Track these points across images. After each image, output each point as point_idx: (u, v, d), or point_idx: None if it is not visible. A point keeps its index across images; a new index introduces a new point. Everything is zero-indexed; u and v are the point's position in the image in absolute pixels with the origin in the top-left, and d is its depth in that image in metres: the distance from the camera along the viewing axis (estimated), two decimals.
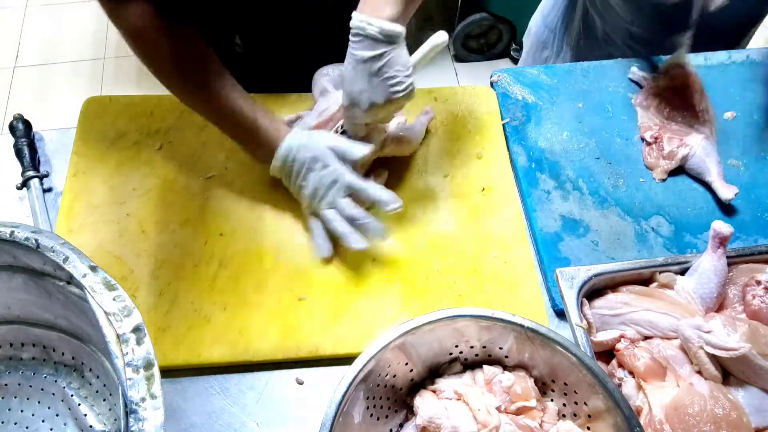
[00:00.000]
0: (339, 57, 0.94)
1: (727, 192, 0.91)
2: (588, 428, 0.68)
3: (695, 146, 0.95)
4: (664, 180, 0.96)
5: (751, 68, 1.10)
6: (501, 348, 0.71)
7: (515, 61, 2.48)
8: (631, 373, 0.74)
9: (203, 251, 0.86)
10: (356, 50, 0.75)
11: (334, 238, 0.84)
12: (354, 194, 0.83)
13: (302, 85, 0.94)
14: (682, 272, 0.81)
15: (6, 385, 0.73)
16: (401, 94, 0.77)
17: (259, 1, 0.97)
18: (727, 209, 0.94)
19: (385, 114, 0.81)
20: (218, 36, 0.91)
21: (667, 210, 0.93)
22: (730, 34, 1.17)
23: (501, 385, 0.69)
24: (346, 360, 0.76)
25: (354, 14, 0.75)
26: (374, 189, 0.82)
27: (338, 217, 0.83)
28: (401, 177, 0.95)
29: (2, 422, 0.71)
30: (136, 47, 0.81)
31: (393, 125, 0.87)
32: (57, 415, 0.73)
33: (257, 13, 0.99)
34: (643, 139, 1.00)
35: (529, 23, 1.40)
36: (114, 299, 0.55)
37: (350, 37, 0.76)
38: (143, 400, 0.50)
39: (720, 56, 1.11)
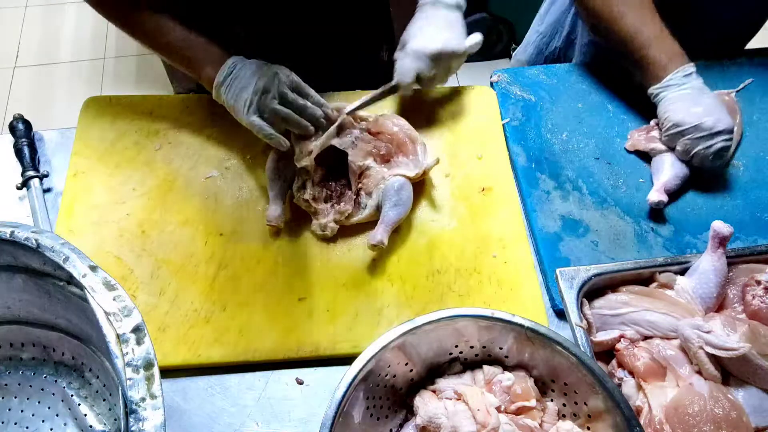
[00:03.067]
0: (347, 56, 0.94)
1: (654, 195, 0.91)
2: (588, 428, 0.68)
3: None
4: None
5: (751, 69, 1.09)
6: (501, 348, 0.71)
7: None
8: (631, 373, 0.74)
9: (203, 251, 0.86)
10: (439, 10, 0.91)
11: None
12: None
13: (312, 83, 0.94)
14: (682, 272, 0.81)
15: (6, 385, 0.73)
16: (461, 46, 0.91)
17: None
18: (725, 212, 0.94)
19: (457, 65, 0.93)
20: (222, 32, 0.91)
21: (667, 210, 0.93)
22: (736, 37, 1.16)
23: (501, 385, 0.69)
24: (346, 360, 0.76)
25: None
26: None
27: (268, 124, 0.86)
28: None
29: (2, 422, 0.71)
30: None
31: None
32: (57, 415, 0.73)
33: (265, 11, 0.98)
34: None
35: (518, 51, 1.37)
36: (114, 299, 0.55)
37: (430, 6, 0.91)
38: (143, 400, 0.50)
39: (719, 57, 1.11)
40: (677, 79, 0.93)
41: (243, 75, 0.85)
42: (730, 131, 0.91)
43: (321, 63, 0.95)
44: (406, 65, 0.90)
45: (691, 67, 0.93)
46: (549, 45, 1.28)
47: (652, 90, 0.96)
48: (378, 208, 0.87)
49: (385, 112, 0.97)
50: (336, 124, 0.88)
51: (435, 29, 0.90)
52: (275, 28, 1.00)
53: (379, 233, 0.83)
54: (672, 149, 0.95)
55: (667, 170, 0.94)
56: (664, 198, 0.90)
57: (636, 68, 0.97)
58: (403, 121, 0.92)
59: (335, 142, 0.88)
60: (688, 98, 0.92)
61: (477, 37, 0.93)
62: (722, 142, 0.90)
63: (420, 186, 0.93)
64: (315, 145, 0.87)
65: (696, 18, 1.02)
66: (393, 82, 0.93)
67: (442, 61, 0.91)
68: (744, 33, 1.19)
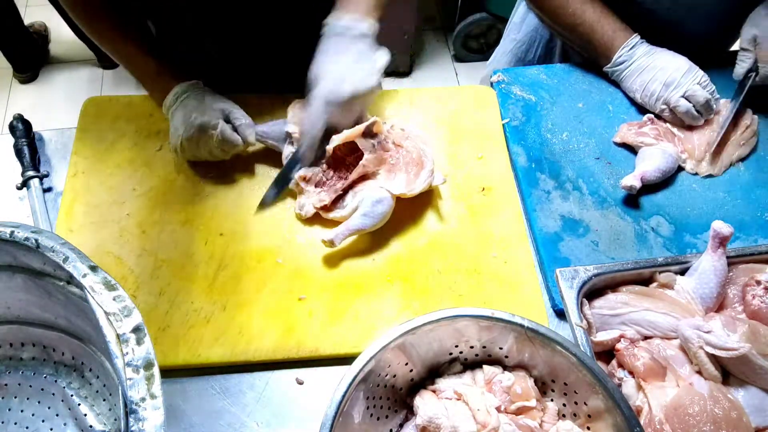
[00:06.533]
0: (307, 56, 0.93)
1: (629, 179, 0.92)
2: (588, 428, 0.68)
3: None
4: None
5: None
6: (501, 348, 0.71)
7: None
8: (631, 373, 0.74)
9: (203, 251, 0.86)
10: (345, 42, 0.82)
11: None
12: None
13: (289, 86, 0.94)
14: (682, 272, 0.81)
15: (6, 385, 0.73)
16: (375, 82, 0.83)
17: (239, 4, 0.97)
18: (725, 210, 0.94)
19: (371, 99, 0.87)
20: (194, 38, 0.91)
21: (667, 210, 0.93)
22: (717, 38, 1.16)
23: (501, 385, 0.69)
24: (346, 360, 0.76)
25: (330, 16, 0.84)
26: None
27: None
28: None
29: (2, 422, 0.71)
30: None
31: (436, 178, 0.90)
32: (57, 415, 0.73)
33: (236, 15, 0.98)
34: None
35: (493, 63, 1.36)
36: (114, 299, 0.55)
37: (335, 38, 0.83)
38: (143, 400, 0.50)
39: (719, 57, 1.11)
40: (625, 55, 1.01)
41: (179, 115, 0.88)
42: (690, 70, 0.97)
43: (282, 62, 0.94)
44: (313, 114, 0.83)
45: (634, 39, 1.00)
46: (528, 53, 1.26)
47: (606, 69, 1.05)
48: (354, 211, 0.87)
49: (416, 130, 0.95)
50: (367, 124, 0.86)
51: (344, 67, 0.82)
52: (238, 28, 1.00)
53: (335, 232, 0.84)
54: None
55: (652, 161, 0.95)
56: (638, 184, 0.91)
57: (587, 52, 1.05)
58: (428, 149, 0.90)
59: (359, 141, 0.87)
60: (638, 70, 1.00)
61: (384, 58, 0.85)
62: (689, 83, 0.96)
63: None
64: (338, 136, 0.86)
65: (668, 37, 1.02)
66: (296, 135, 0.88)
67: (356, 103, 0.84)
68: (720, 47, 1.18)
